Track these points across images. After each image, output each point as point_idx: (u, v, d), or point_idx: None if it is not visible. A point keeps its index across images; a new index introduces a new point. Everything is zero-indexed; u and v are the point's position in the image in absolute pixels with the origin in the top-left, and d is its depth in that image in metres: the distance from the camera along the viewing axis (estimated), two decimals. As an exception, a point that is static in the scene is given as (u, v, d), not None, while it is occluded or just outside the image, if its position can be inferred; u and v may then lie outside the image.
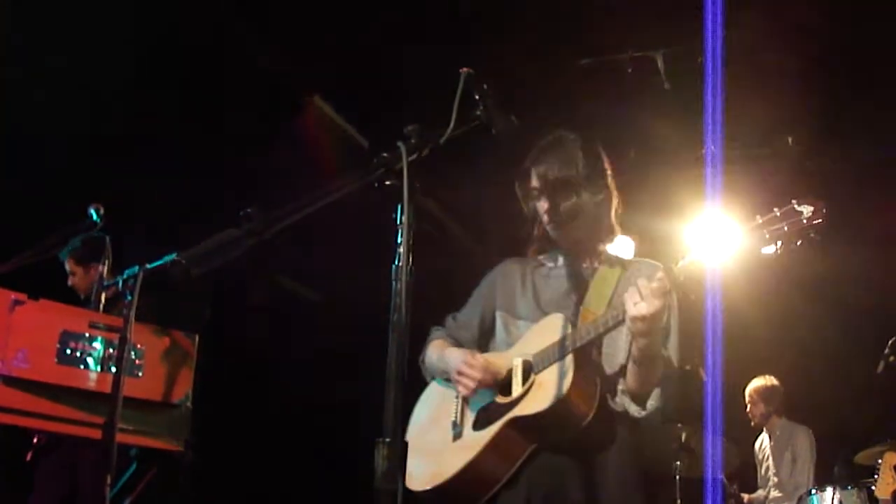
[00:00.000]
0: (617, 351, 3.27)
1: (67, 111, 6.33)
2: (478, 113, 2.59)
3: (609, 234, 3.48)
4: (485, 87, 2.59)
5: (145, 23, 6.07)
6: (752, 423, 8.19)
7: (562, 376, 3.10)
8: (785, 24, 6.21)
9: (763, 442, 8.23)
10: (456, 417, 3.41)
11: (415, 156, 2.23)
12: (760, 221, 2.97)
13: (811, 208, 2.92)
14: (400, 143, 2.21)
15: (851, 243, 7.80)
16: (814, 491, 6.79)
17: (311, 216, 2.20)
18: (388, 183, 2.17)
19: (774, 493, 7.95)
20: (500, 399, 3.28)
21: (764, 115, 6.70)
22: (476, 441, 3.25)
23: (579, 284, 3.44)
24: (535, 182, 3.40)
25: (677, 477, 7.20)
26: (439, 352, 3.59)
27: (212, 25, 6.25)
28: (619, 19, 6.27)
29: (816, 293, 8.20)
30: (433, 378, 3.67)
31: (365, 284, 3.55)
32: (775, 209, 2.97)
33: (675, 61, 6.61)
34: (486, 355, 3.45)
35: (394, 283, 2.12)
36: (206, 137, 6.73)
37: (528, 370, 3.24)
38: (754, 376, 8.19)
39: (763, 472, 8.20)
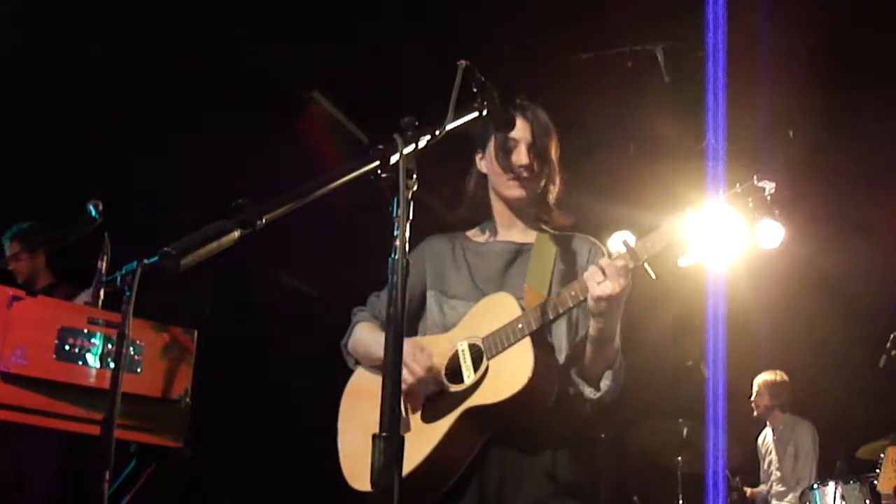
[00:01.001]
0: (561, 337, 3.19)
1: (64, 106, 6.34)
2: (475, 105, 2.58)
3: (548, 213, 3.41)
4: (482, 79, 2.58)
5: (144, 18, 6.05)
6: (755, 414, 8.19)
7: (522, 361, 2.94)
8: (787, 16, 6.19)
9: (766, 436, 8.25)
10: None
11: (411, 147, 2.20)
12: (724, 197, 2.93)
13: (772, 184, 2.90)
14: (396, 135, 2.18)
15: (854, 238, 7.81)
16: (816, 485, 6.79)
17: (313, 212, 2.17)
18: (384, 175, 2.15)
19: (777, 488, 7.96)
20: (452, 387, 3.08)
21: (766, 109, 6.69)
22: (429, 434, 3.05)
23: (516, 260, 3.33)
24: (519, 132, 3.28)
25: (679, 473, 7.21)
26: (372, 337, 3.37)
27: (210, 21, 6.23)
28: (619, 13, 6.25)
29: (818, 288, 8.20)
30: (357, 364, 3.49)
31: (365, 279, 3.47)
32: (737, 184, 2.94)
33: (674, 55, 6.60)
34: (424, 340, 3.26)
35: (390, 276, 2.08)
36: (204, 134, 6.72)
37: (478, 354, 3.07)
38: (756, 371, 8.19)
39: (766, 466, 8.22)
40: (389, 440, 2.00)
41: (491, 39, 6.15)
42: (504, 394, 2.93)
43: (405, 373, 3.07)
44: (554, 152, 3.35)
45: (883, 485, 6.23)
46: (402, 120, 2.27)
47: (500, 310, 3.09)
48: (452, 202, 3.53)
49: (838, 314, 8.21)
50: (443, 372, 3.13)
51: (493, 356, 3.03)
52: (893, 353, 6.71)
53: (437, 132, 2.33)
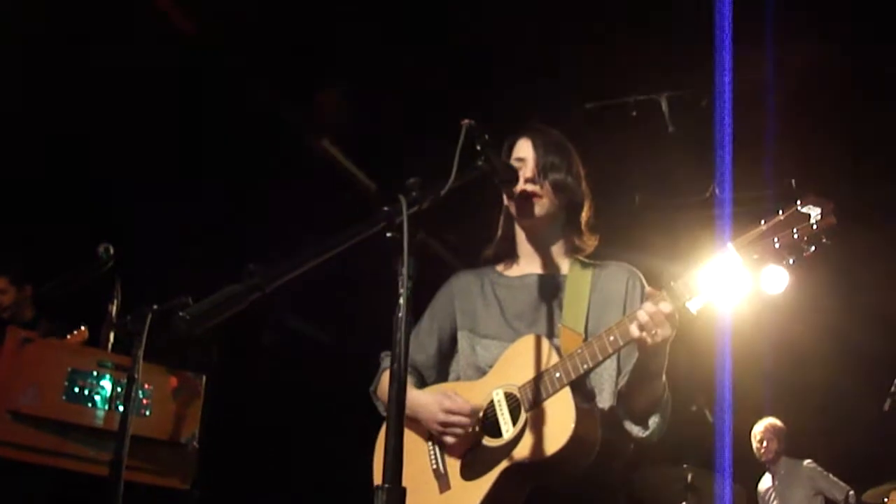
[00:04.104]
0: (602, 375, 3.03)
1: (77, 150, 6.41)
2: (479, 163, 2.61)
3: (579, 237, 3.24)
4: (486, 136, 2.59)
5: (156, 74, 6.12)
6: (764, 459, 8.16)
7: (563, 414, 2.78)
8: (792, 65, 6.24)
9: (766, 483, 8.24)
10: (437, 465, 3.05)
11: (415, 208, 2.24)
12: (766, 227, 2.67)
13: (818, 209, 2.61)
14: (401, 196, 2.22)
15: (860, 283, 7.83)
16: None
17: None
18: (388, 235, 2.19)
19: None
20: (489, 441, 2.93)
21: (770, 158, 6.73)
22: (471, 495, 2.90)
23: (548, 293, 3.16)
24: (521, 152, 3.18)
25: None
26: None
27: (222, 75, 6.31)
28: (624, 63, 6.31)
29: (823, 333, 8.21)
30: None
31: (373, 326, 3.46)
32: (779, 211, 2.66)
33: (678, 104, 6.63)
34: (456, 387, 3.14)
35: (394, 333, 2.12)
36: (215, 180, 6.79)
37: (514, 405, 2.91)
38: (762, 417, 8.20)
39: (769, 512, 8.20)
40: (392, 491, 2.03)
41: (495, 90, 6.23)
42: (547, 450, 2.78)
43: (452, 429, 2.99)
44: (568, 170, 3.18)
45: (889, 528, 6.24)
46: (407, 181, 2.30)
47: (534, 354, 2.94)
48: (478, 243, 3.41)
49: (843, 359, 8.21)
50: (480, 417, 3.01)
51: (530, 408, 2.87)
52: (898, 396, 6.75)
53: (441, 192, 2.37)
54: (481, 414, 3.00)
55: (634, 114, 6.63)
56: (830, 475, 7.74)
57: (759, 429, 8.16)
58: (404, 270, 2.13)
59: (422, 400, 3.08)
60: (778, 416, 8.17)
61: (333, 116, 6.82)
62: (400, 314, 2.12)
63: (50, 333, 5.44)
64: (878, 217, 7.26)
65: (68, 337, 5.45)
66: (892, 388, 6.81)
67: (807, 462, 7.96)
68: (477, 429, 2.99)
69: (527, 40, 6.10)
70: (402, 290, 2.13)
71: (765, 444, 8.12)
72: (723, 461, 7.75)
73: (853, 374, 8.09)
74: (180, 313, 1.88)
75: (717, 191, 6.70)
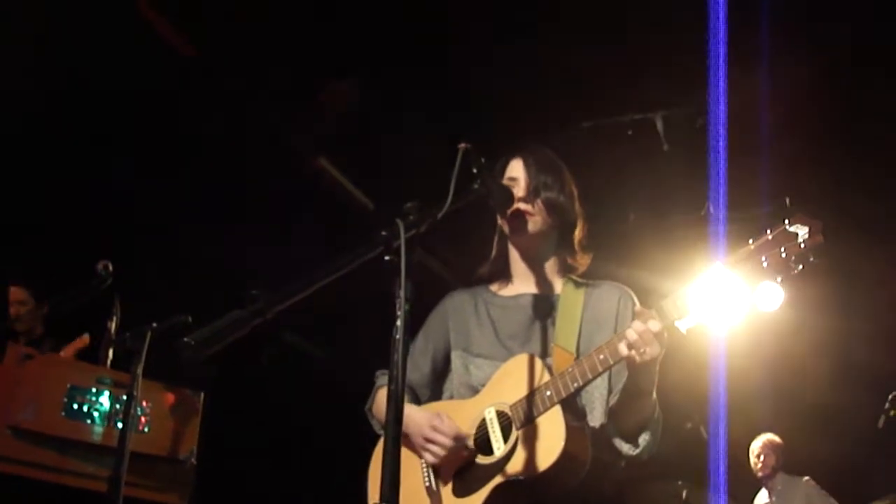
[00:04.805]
0: (593, 393, 3.07)
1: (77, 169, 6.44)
2: (475, 186, 2.65)
3: (572, 257, 3.28)
4: (483, 160, 2.64)
5: (156, 95, 6.15)
6: (761, 475, 8.16)
7: (553, 432, 2.83)
8: (786, 83, 6.28)
9: (762, 499, 8.24)
10: (429, 482, 3.07)
11: (412, 232, 2.27)
12: (754, 246, 2.71)
13: (806, 228, 2.66)
14: (398, 220, 2.26)
15: (855, 300, 7.85)
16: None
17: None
18: (387, 258, 2.23)
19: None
20: (481, 459, 2.97)
21: (765, 175, 6.75)
22: None
23: (541, 312, 3.20)
24: (513, 171, 3.23)
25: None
26: None
27: (223, 98, 6.34)
28: (620, 82, 6.34)
29: (817, 349, 8.23)
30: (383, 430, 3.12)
31: (370, 343, 3.47)
32: (767, 231, 2.70)
33: (674, 124, 6.66)
34: (449, 406, 3.19)
35: (391, 355, 2.15)
36: (215, 198, 6.81)
37: (506, 423, 2.95)
38: (757, 433, 8.21)
39: (765, 528, 8.20)
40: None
41: (491, 108, 6.26)
42: (538, 467, 2.82)
43: (433, 447, 3.02)
44: (561, 189, 3.23)
45: (883, 545, 6.25)
46: (405, 205, 2.35)
47: (526, 373, 2.97)
48: (473, 261, 3.45)
49: (837, 376, 8.22)
50: (471, 441, 3.03)
51: (522, 426, 2.91)
52: (892, 413, 6.75)
53: (439, 215, 2.41)
54: (474, 432, 3.03)
55: (630, 132, 6.65)
56: (829, 496, 7.75)
57: (757, 444, 8.17)
58: (402, 293, 2.17)
59: (414, 415, 3.10)
60: (774, 433, 8.18)
61: (336, 115, 6.82)
62: (397, 336, 2.15)
63: (53, 351, 5.49)
64: (873, 233, 7.29)
65: (70, 344, 5.51)
66: (887, 405, 6.83)
67: (805, 479, 7.97)
68: (469, 447, 3.01)
69: (523, 60, 6.13)
70: (399, 313, 2.16)
71: (762, 459, 8.12)
72: (718, 478, 7.76)
73: (850, 389, 8.10)
74: (185, 339, 1.92)
75: (711, 209, 6.72)
